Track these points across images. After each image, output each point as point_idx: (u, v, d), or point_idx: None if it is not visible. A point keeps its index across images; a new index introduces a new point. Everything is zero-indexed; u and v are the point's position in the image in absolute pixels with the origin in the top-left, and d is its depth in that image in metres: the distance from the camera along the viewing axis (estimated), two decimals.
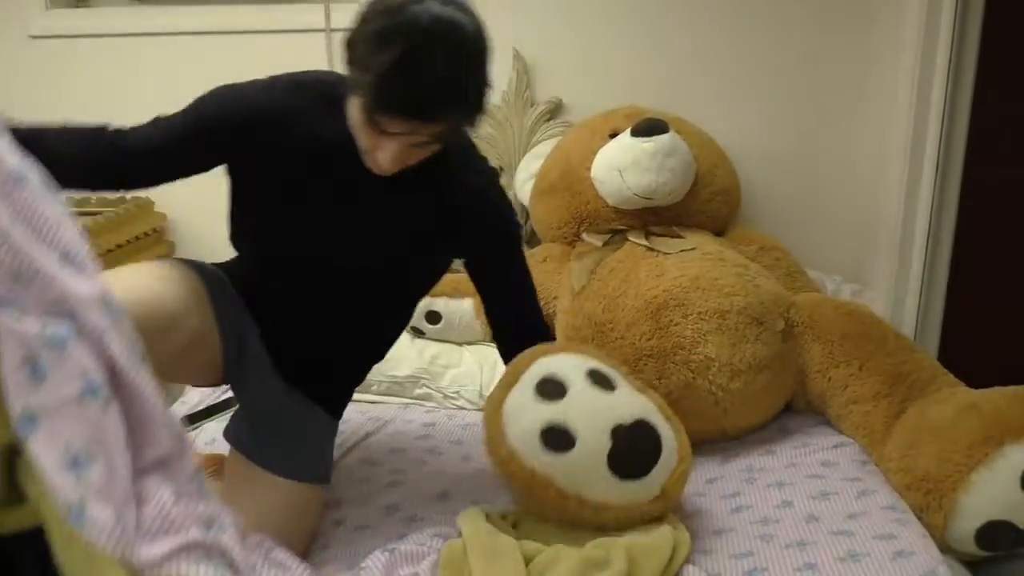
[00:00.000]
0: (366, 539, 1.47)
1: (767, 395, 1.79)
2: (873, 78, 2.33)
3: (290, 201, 1.47)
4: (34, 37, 2.49)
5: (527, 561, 1.29)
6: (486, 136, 2.41)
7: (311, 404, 1.56)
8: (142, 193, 2.53)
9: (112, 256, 2.29)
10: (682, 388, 1.73)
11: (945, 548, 1.47)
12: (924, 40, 2.12)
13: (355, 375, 1.67)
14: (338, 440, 1.69)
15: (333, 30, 2.41)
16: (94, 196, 2.51)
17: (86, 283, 0.74)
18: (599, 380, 1.40)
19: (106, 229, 2.27)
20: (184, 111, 1.51)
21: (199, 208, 2.56)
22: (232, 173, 1.54)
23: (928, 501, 1.49)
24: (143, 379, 0.79)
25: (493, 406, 1.41)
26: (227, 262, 1.64)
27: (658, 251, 1.94)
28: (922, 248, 2.20)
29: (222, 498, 1.18)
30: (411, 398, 2.08)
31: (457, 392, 2.07)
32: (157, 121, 1.52)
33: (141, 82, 2.50)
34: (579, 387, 1.37)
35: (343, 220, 1.45)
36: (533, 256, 2.09)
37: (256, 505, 1.43)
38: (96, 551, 0.72)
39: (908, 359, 1.74)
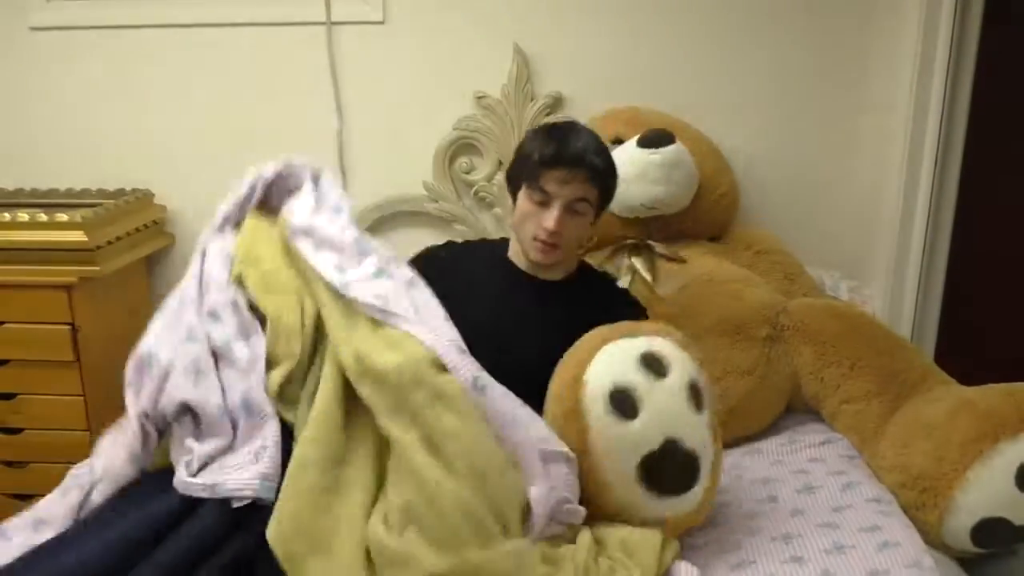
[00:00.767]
0: None
1: (757, 400, 1.79)
2: (873, 77, 2.32)
3: None
4: (34, 29, 2.50)
5: None
6: (485, 130, 2.41)
7: None
8: (142, 185, 2.55)
9: (112, 248, 2.30)
10: None
11: (940, 545, 1.48)
12: (924, 39, 2.12)
13: None
14: None
15: (334, 23, 2.42)
16: (94, 188, 2.53)
17: None
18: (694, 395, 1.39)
19: (106, 221, 2.28)
20: None
21: (199, 200, 2.57)
22: None
23: (923, 499, 1.49)
24: None
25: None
26: None
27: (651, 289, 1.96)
28: (920, 245, 2.20)
29: None
30: None
31: None
32: None
33: (141, 74, 2.51)
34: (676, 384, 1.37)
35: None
36: None
37: None
38: None
39: (899, 357, 1.74)
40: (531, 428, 1.33)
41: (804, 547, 1.35)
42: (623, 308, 1.68)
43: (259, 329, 1.47)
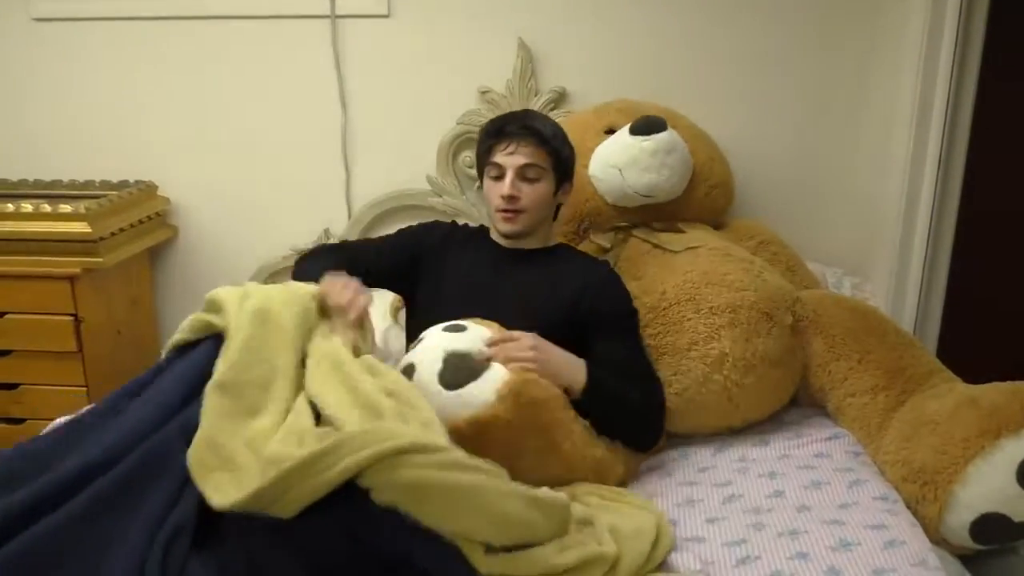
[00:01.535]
0: None
1: (777, 390, 1.80)
2: (876, 71, 2.32)
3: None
4: (38, 20, 2.49)
5: None
6: None
7: None
8: (146, 177, 2.55)
9: (115, 239, 2.30)
10: (699, 384, 1.74)
11: (939, 541, 1.48)
12: (929, 32, 2.11)
13: None
14: None
15: (338, 16, 2.41)
16: (97, 179, 2.53)
17: None
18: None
19: (109, 212, 2.28)
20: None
21: (202, 192, 2.58)
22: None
23: (924, 492, 1.49)
24: None
25: None
26: None
27: (664, 248, 1.94)
28: (923, 241, 2.20)
29: None
30: None
31: None
32: None
33: (144, 65, 2.51)
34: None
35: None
36: None
37: None
38: None
39: (907, 354, 1.74)
40: None
41: (810, 543, 1.35)
42: (603, 274, 1.82)
43: None
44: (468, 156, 2.46)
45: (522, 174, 1.75)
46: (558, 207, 1.88)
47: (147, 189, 2.50)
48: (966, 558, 1.51)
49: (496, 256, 1.84)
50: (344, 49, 2.45)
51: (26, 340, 2.24)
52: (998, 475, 1.44)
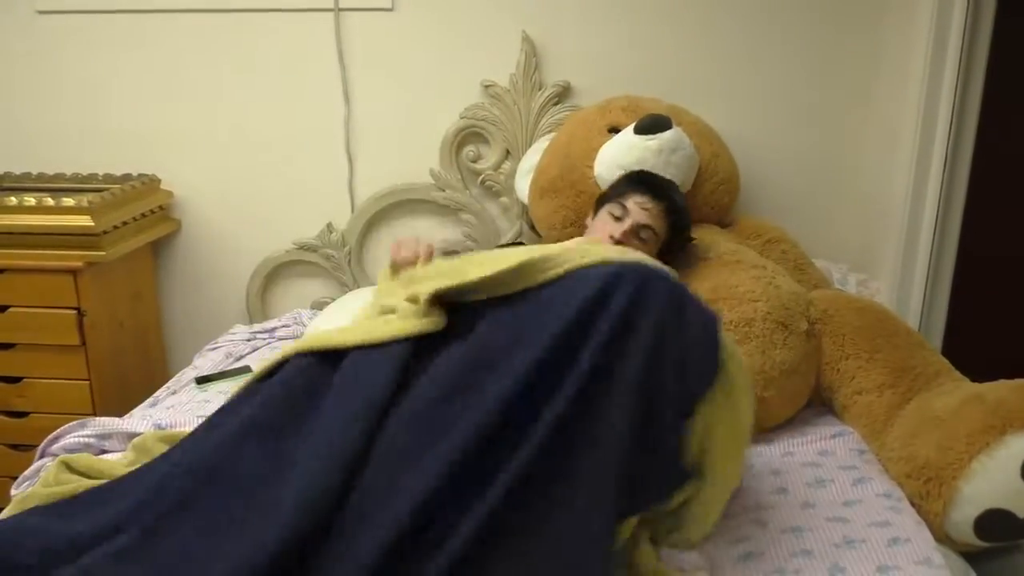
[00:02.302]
0: None
1: (795, 397, 1.79)
2: (883, 65, 2.32)
3: None
4: (41, 12, 2.49)
5: None
6: (492, 119, 2.41)
7: None
8: (149, 170, 2.54)
9: (118, 232, 2.30)
10: None
11: (943, 538, 1.47)
12: (936, 27, 2.10)
13: None
14: None
15: (342, 9, 2.41)
16: (101, 172, 2.53)
17: None
18: None
19: (112, 206, 2.28)
20: None
21: (206, 186, 2.58)
22: None
23: (928, 489, 1.49)
24: None
25: None
26: None
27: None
28: (929, 237, 2.19)
29: None
30: None
31: None
32: None
33: (148, 59, 2.50)
34: None
35: None
36: None
37: None
38: None
39: (916, 354, 1.73)
40: None
41: (813, 540, 1.35)
42: None
43: None
44: (471, 150, 2.45)
45: (638, 230, 1.80)
46: None
47: (150, 183, 2.49)
48: (970, 555, 1.51)
49: None
50: (347, 43, 2.44)
51: (29, 333, 2.24)
52: (1003, 471, 1.43)
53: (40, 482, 1.42)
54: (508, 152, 2.44)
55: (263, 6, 2.43)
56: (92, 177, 2.51)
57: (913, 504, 1.49)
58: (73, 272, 2.20)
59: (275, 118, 2.51)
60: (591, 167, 2.10)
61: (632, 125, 2.05)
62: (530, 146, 2.40)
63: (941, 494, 1.47)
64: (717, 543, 1.38)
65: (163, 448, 1.46)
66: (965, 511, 1.45)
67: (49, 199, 2.23)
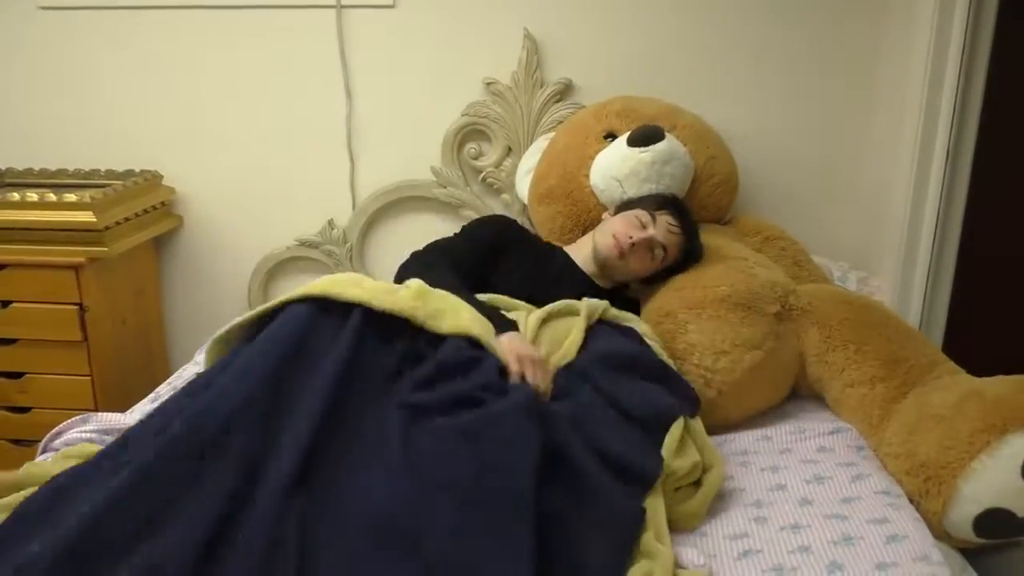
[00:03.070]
0: None
1: (762, 375, 1.78)
2: (884, 63, 2.32)
3: None
4: (44, 8, 2.49)
5: None
6: (494, 116, 2.41)
7: None
8: (151, 167, 2.55)
9: (120, 228, 2.30)
10: None
11: (943, 535, 1.47)
12: (938, 25, 2.10)
13: None
14: None
15: (344, 6, 2.41)
16: (103, 168, 2.53)
17: None
18: None
19: (114, 202, 2.28)
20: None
21: (208, 182, 2.58)
22: None
23: (927, 487, 1.49)
24: None
25: None
26: None
27: None
28: (930, 235, 2.19)
29: None
30: None
31: None
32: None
33: (150, 55, 2.51)
34: None
35: None
36: None
37: None
38: None
39: (908, 345, 1.73)
40: None
41: (812, 537, 1.35)
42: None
43: None
44: (473, 148, 2.45)
45: (653, 246, 1.88)
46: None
47: (152, 179, 2.50)
48: (969, 552, 1.51)
49: (576, 276, 1.97)
50: (349, 39, 2.44)
51: (31, 329, 2.25)
52: (1003, 470, 1.43)
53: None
54: (509, 149, 2.44)
55: (266, 3, 2.43)
56: (94, 173, 2.52)
57: (912, 502, 1.49)
58: (75, 268, 2.21)
59: (277, 115, 2.51)
60: (587, 176, 2.12)
61: (626, 135, 2.06)
62: (531, 143, 2.40)
63: (941, 493, 1.47)
64: (716, 540, 1.38)
65: None
66: (965, 510, 1.45)
67: (51, 195, 2.23)
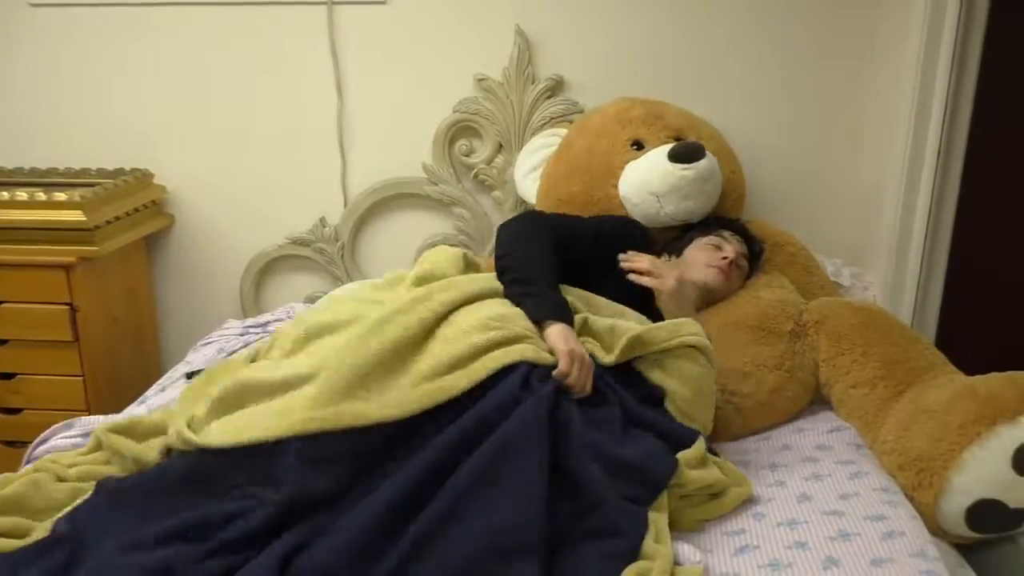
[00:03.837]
0: None
1: (785, 394, 1.79)
2: (877, 63, 2.32)
3: None
4: (34, 5, 2.47)
5: None
6: (485, 112, 2.40)
7: None
8: (142, 165, 2.54)
9: (111, 227, 2.29)
10: None
11: (936, 530, 1.48)
12: (929, 24, 2.11)
13: None
14: None
15: (335, 2, 2.40)
16: (93, 167, 2.52)
17: None
18: None
19: (105, 201, 2.27)
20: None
21: (199, 180, 2.57)
22: None
23: (920, 479, 1.50)
24: None
25: None
26: None
27: None
28: (922, 232, 2.20)
29: None
30: None
31: None
32: None
33: (141, 52, 2.49)
34: None
35: None
36: None
37: None
38: None
39: (911, 349, 1.74)
40: None
41: (809, 533, 1.36)
42: None
43: None
44: (464, 144, 2.45)
45: (738, 260, 1.95)
46: None
47: (143, 177, 2.48)
48: (965, 549, 1.52)
49: None
50: (340, 36, 2.43)
51: (22, 329, 2.23)
52: (993, 461, 1.44)
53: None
54: (501, 146, 2.43)
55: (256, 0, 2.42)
56: (85, 172, 2.50)
57: (906, 495, 1.50)
58: (66, 268, 2.19)
59: (268, 112, 2.50)
60: (615, 186, 2.08)
61: (664, 149, 2.01)
62: (523, 140, 2.40)
63: (932, 484, 1.48)
64: (713, 535, 1.39)
65: (117, 439, 1.51)
66: (956, 501, 1.46)
67: (41, 194, 2.22)
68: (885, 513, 1.40)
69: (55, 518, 1.35)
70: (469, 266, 1.81)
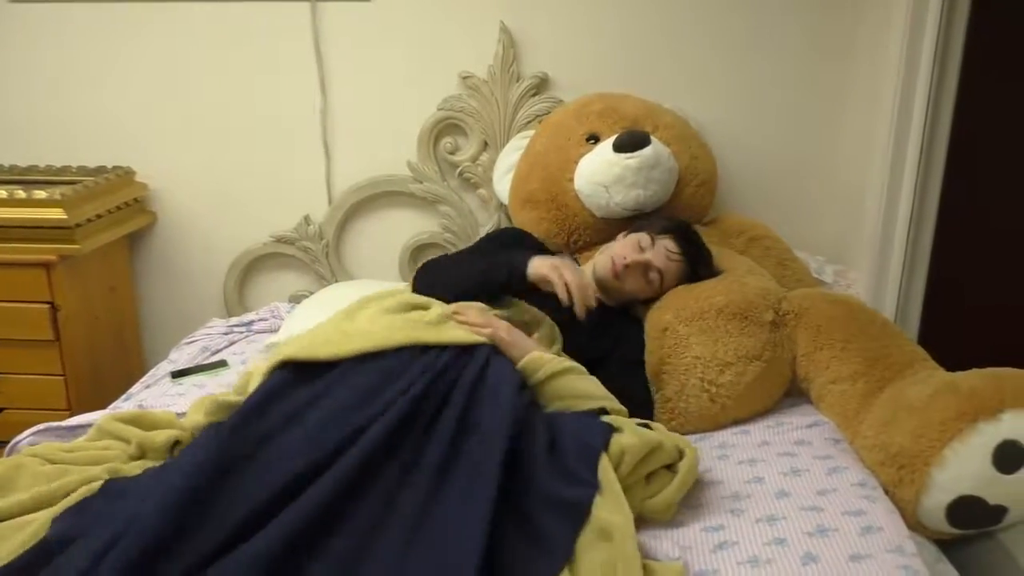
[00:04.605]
0: None
1: (762, 385, 1.79)
2: (859, 58, 2.33)
3: None
4: (13, 1, 2.46)
5: None
6: (470, 110, 2.40)
7: None
8: (124, 163, 2.52)
9: (92, 225, 2.27)
10: (679, 393, 1.76)
11: (916, 526, 1.48)
12: (912, 21, 2.11)
13: None
14: None
15: (319, 0, 2.39)
16: (74, 165, 2.50)
17: None
18: None
19: (85, 199, 2.26)
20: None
21: (182, 178, 2.56)
22: None
23: (901, 475, 1.49)
24: None
25: None
26: None
27: None
28: (904, 228, 2.20)
29: None
30: None
31: None
32: None
33: (123, 50, 2.48)
34: None
35: None
36: None
37: None
38: None
39: (891, 344, 1.73)
40: None
41: (787, 529, 1.35)
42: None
43: None
44: (449, 142, 2.44)
45: (650, 267, 1.86)
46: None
47: (125, 175, 2.47)
48: (943, 543, 1.52)
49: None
50: (324, 33, 2.43)
51: (2, 328, 2.22)
52: (975, 458, 1.44)
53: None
54: (486, 144, 2.43)
55: None
56: (65, 169, 2.49)
57: (886, 492, 1.49)
58: (46, 266, 2.18)
59: (251, 109, 2.49)
60: (571, 180, 2.10)
61: (611, 140, 2.04)
62: (508, 138, 2.40)
63: (914, 481, 1.48)
64: (691, 531, 1.38)
65: (122, 428, 1.54)
66: (937, 498, 1.46)
67: (21, 191, 2.20)
68: (863, 508, 1.40)
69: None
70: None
